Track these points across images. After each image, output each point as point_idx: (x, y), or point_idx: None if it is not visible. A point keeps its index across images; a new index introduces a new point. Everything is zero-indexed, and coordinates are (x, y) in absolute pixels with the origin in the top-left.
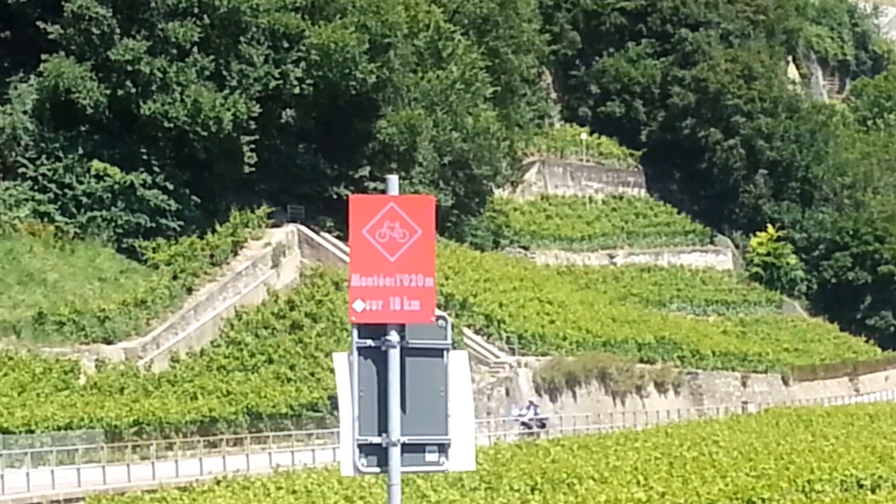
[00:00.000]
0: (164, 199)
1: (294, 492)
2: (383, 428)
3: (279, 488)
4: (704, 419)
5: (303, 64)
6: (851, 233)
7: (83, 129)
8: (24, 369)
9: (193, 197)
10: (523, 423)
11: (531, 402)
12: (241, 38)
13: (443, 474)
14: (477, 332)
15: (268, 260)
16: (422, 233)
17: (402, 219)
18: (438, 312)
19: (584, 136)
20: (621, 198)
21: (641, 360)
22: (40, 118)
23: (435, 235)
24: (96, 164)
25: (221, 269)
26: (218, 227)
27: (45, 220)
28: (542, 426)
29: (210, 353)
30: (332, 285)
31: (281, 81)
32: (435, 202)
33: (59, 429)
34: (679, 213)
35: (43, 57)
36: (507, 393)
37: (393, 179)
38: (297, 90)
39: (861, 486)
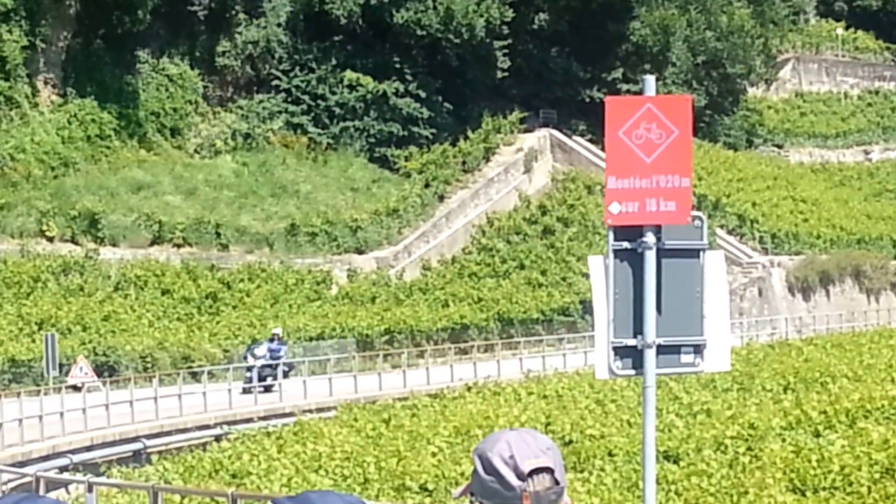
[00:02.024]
0: (416, 108)
1: (545, 397)
2: (638, 330)
3: (530, 393)
4: None
5: None
6: None
7: (336, 39)
8: (276, 281)
9: (445, 104)
10: (248, 371)
11: (275, 336)
12: None
13: (695, 376)
14: (730, 233)
15: (520, 165)
16: (679, 133)
17: (659, 119)
18: (694, 213)
19: (839, 31)
20: (877, 92)
21: None
22: (294, 30)
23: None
24: (349, 75)
25: (473, 175)
26: (470, 133)
27: (298, 131)
28: (286, 374)
29: (461, 260)
30: (585, 189)
31: None
32: (692, 101)
33: (311, 339)
34: None
35: None
36: (760, 293)
37: (650, 80)
38: None
39: None
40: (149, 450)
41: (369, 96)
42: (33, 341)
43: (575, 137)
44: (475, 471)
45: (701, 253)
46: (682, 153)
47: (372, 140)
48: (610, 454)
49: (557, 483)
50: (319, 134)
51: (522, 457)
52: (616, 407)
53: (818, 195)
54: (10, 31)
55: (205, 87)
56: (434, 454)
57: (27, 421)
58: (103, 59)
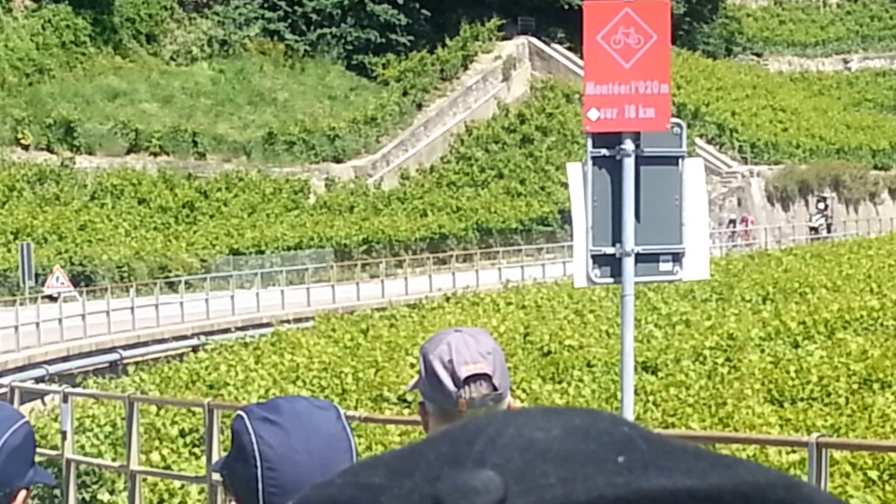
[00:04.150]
0: (393, 14)
1: (524, 307)
2: (617, 238)
3: (509, 304)
4: None
5: None
6: None
7: None
8: (254, 190)
9: (423, 11)
10: None
11: None
12: None
13: (673, 286)
14: (709, 142)
15: (498, 73)
16: (657, 38)
17: (637, 24)
18: (673, 120)
19: None
20: (856, 1)
21: (875, 167)
22: None
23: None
24: None
25: (451, 83)
26: (448, 41)
27: (275, 38)
28: None
29: (440, 169)
30: (563, 97)
31: None
32: (670, 6)
33: (288, 249)
34: None
35: None
36: (739, 203)
37: None
38: None
39: None
40: (125, 360)
41: (346, 2)
42: (9, 251)
43: (553, 45)
44: (420, 370)
45: (680, 160)
46: (661, 59)
47: (349, 47)
48: (588, 365)
49: (496, 389)
50: (297, 41)
51: (460, 362)
52: (595, 317)
53: (797, 104)
54: None
55: None
56: (412, 365)
57: (2, 331)
58: None
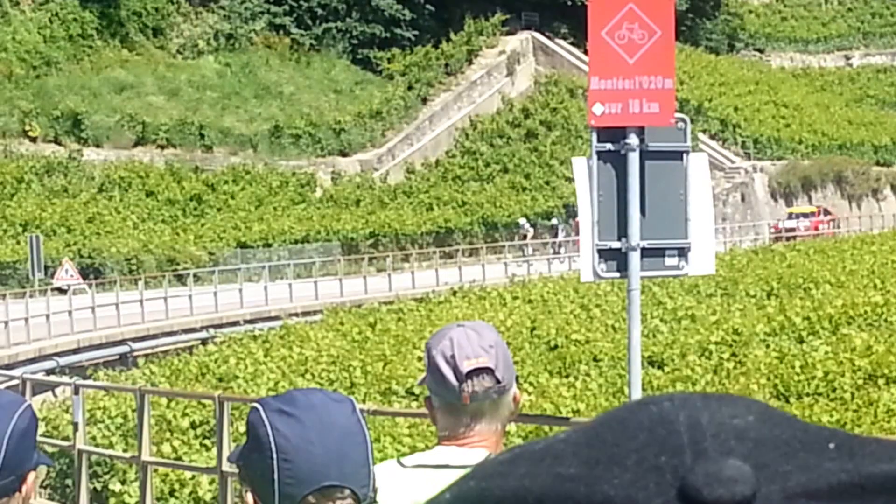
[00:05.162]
0: (398, 9)
1: (530, 301)
2: (623, 233)
3: (515, 298)
4: None
5: None
6: None
7: None
8: (260, 183)
9: (427, 6)
10: None
11: None
12: None
13: (678, 281)
14: (712, 138)
15: (502, 68)
16: (661, 33)
17: (641, 19)
18: (678, 115)
19: None
20: None
21: (878, 163)
22: None
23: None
24: None
25: (456, 78)
26: (453, 35)
27: (281, 32)
28: None
29: (445, 163)
30: (567, 92)
31: None
32: (674, 2)
33: (295, 242)
34: None
35: None
36: (743, 199)
37: None
38: None
39: None
40: (135, 353)
41: None
42: (18, 243)
43: (557, 40)
44: (425, 366)
45: (684, 155)
46: (665, 54)
47: (354, 41)
48: (595, 359)
49: (499, 382)
50: (302, 35)
51: (462, 357)
52: (601, 312)
53: (799, 100)
54: None
55: None
56: (420, 358)
57: (13, 323)
58: None
